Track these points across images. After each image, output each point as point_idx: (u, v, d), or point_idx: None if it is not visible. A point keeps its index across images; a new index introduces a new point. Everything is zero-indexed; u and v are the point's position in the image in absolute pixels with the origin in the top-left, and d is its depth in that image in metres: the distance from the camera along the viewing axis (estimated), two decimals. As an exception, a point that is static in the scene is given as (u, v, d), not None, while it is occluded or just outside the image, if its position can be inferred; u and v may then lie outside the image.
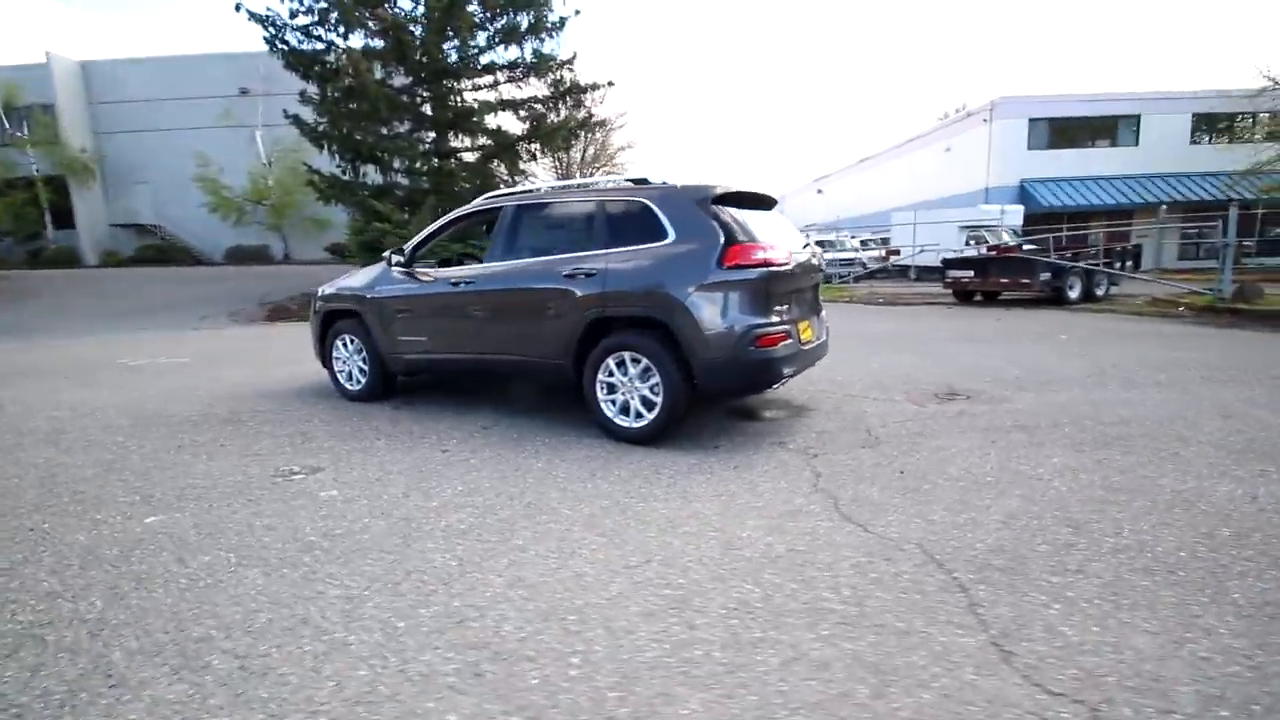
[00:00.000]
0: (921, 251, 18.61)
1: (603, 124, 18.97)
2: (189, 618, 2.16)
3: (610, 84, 17.69)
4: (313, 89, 15.29)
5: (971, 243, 19.31)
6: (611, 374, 4.01)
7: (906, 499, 3.03)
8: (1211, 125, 22.62)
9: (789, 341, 3.83)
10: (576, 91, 16.83)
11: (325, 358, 5.53)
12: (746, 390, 3.93)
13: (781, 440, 4.04)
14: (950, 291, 14.29)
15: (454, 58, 16.10)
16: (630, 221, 4.01)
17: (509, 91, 17.10)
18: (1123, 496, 3.00)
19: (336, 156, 15.84)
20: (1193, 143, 22.60)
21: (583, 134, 19.50)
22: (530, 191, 4.73)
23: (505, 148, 16.44)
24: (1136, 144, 22.55)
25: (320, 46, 15.39)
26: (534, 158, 17.14)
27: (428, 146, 15.79)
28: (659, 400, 3.85)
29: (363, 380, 5.30)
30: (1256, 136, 20.43)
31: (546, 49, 16.49)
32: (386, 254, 5.02)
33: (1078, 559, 2.42)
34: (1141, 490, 3.07)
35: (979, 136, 22.85)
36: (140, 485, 3.48)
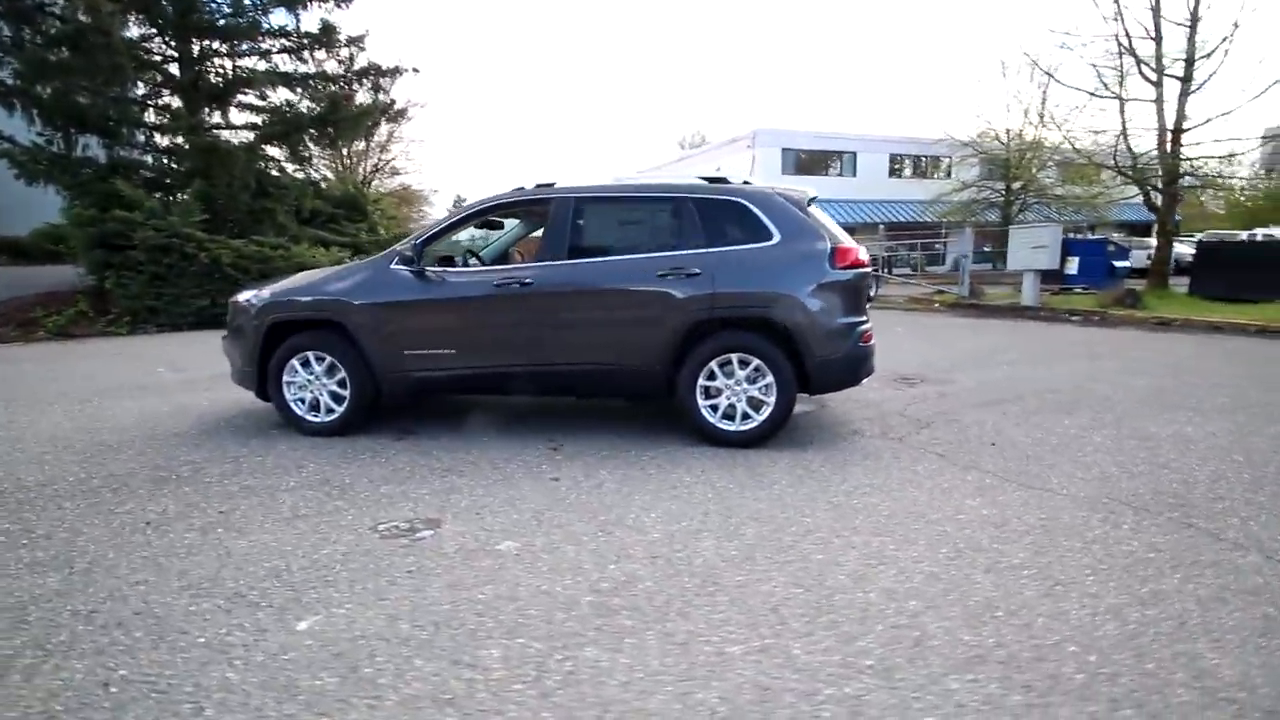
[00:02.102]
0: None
1: (404, 113, 17.23)
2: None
3: (415, 70, 16.29)
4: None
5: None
6: (713, 377, 3.87)
7: (1037, 466, 3.55)
8: (902, 163, 29.55)
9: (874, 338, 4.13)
10: (376, 74, 15.09)
11: (266, 384, 4.23)
12: (846, 385, 4.09)
13: (854, 429, 4.33)
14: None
15: (217, 14, 13.24)
16: (725, 220, 3.91)
17: (287, 66, 14.63)
18: (1150, 444, 3.91)
19: (38, 121, 11.86)
20: (890, 177, 29.14)
21: (382, 122, 17.46)
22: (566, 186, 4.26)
23: (294, 129, 13.99)
24: (855, 175, 28.27)
25: (13, -27, 11.32)
26: (332, 144, 14.90)
27: (195, 119, 12.67)
28: (770, 401, 3.84)
29: (336, 409, 4.18)
30: (936, 175, 27.34)
31: (334, 19, 14.48)
32: (396, 249, 4.04)
33: (1219, 489, 3.14)
34: (1155, 438, 4.01)
35: (744, 160, 26.27)
36: (186, 585, 2.35)
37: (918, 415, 4.67)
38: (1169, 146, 12.33)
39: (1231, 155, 12.13)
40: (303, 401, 4.22)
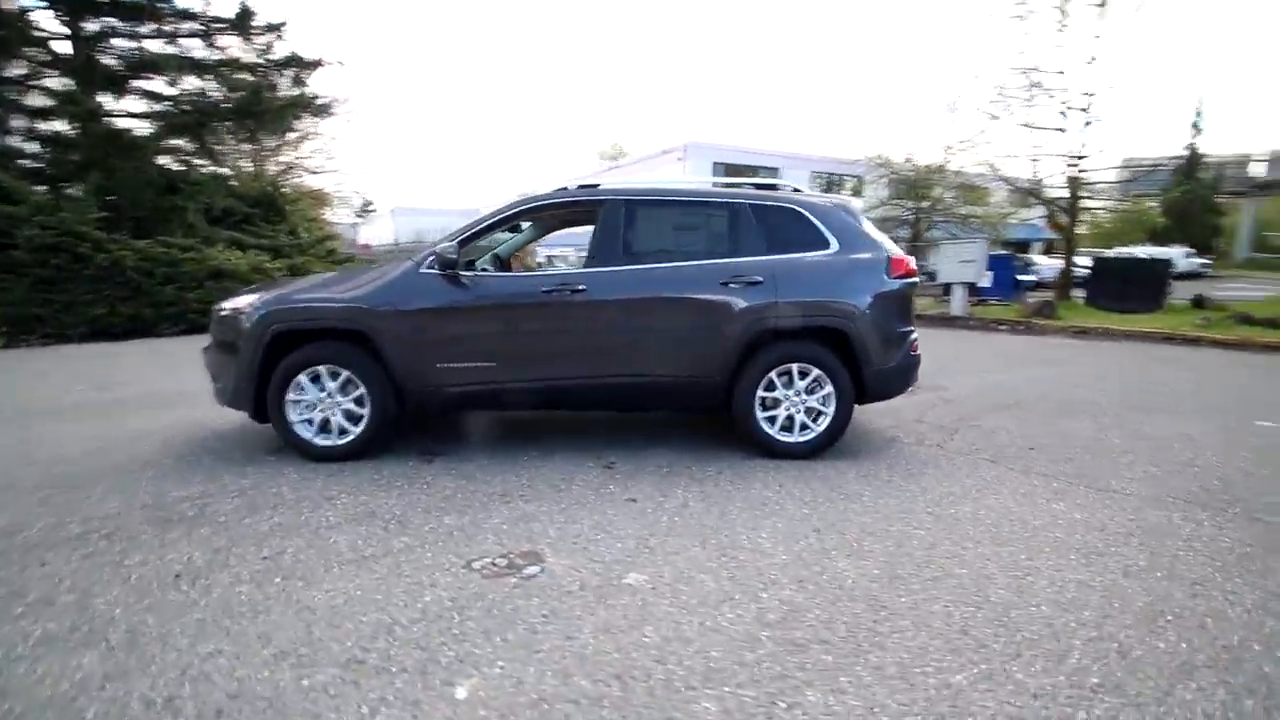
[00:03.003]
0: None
1: (328, 108, 16.03)
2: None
3: (340, 63, 15.42)
4: None
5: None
6: (771, 388, 3.77)
7: (1085, 467, 3.70)
8: (823, 180, 31.19)
9: (918, 347, 4.18)
10: (298, 65, 14.04)
11: (264, 404, 3.69)
12: (895, 394, 4.09)
13: (889, 437, 4.37)
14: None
15: (115, -12, 11.81)
16: (782, 227, 3.83)
17: (199, 52, 13.29)
18: (1163, 444, 4.19)
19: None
20: (810, 192, 30.56)
21: (305, 116, 16.13)
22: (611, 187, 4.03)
23: (207, 119, 12.70)
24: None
25: None
26: (252, 137, 13.64)
27: (90, 104, 11.19)
28: (829, 412, 3.79)
29: (351, 429, 3.71)
30: (846, 192, 29.13)
31: (251, 2, 13.33)
32: (433, 250, 3.63)
33: (1255, 484, 3.38)
34: (1165, 439, 4.30)
35: (676, 171, 26.66)
36: (277, 653, 1.95)
37: (939, 422, 4.78)
38: (1074, 171, 13.68)
39: (1125, 181, 13.59)
40: (310, 422, 3.72)
